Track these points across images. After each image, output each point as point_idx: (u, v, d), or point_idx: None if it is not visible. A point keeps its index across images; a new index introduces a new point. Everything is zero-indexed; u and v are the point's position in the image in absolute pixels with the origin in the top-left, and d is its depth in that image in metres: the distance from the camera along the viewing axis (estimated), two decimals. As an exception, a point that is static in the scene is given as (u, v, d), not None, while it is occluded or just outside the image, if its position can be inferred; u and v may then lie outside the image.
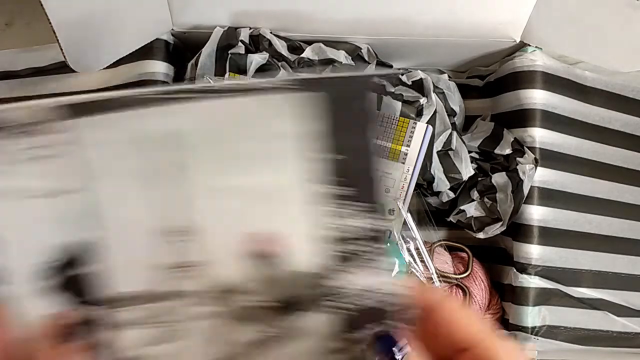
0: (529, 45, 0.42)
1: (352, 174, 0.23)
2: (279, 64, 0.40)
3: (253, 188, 0.23)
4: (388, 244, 0.40)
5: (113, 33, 0.39)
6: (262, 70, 0.40)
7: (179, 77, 0.42)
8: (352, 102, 0.23)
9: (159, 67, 0.40)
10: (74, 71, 0.39)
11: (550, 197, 0.41)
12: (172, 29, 0.41)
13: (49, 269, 0.23)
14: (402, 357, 0.22)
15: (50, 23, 0.35)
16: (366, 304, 0.24)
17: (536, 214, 0.40)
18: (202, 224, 0.23)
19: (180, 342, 0.24)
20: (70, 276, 0.23)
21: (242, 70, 0.40)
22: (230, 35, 0.40)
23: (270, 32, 0.41)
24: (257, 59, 0.40)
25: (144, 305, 0.24)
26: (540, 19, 0.40)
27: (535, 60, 0.41)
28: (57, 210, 0.23)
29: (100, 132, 0.22)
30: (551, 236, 0.40)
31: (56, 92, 0.42)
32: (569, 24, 0.40)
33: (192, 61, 0.41)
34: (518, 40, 0.42)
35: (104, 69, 0.40)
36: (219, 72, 0.40)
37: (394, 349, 0.23)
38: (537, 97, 0.41)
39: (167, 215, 0.23)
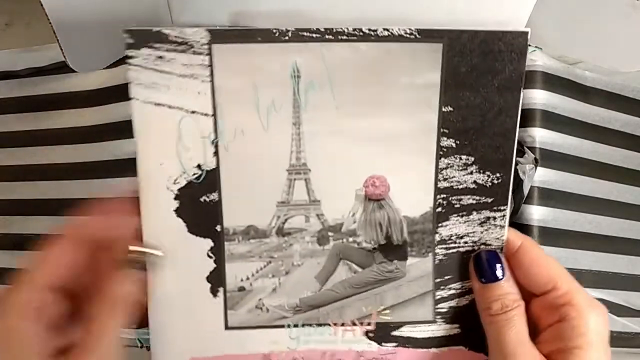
0: (529, 45, 0.42)
1: (469, 128, 0.24)
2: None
3: (370, 132, 0.24)
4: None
5: (113, 33, 0.39)
6: (262, 70, 0.40)
7: (178, 77, 0.41)
8: (476, 56, 0.23)
9: (159, 67, 0.40)
10: (73, 71, 0.39)
11: (550, 197, 0.40)
12: (172, 29, 0.41)
13: (180, 189, 0.24)
14: (502, 274, 0.24)
15: (50, 23, 0.35)
16: (458, 249, 0.26)
17: (536, 214, 0.40)
18: (317, 163, 0.24)
19: (286, 278, 0.25)
20: (196, 201, 0.24)
21: (242, 70, 0.40)
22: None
23: (270, 32, 0.41)
24: (257, 59, 0.40)
25: (255, 239, 0.25)
26: (540, 19, 0.40)
27: (535, 60, 0.41)
28: (192, 129, 0.23)
29: (230, 60, 0.24)
30: (551, 236, 0.40)
31: (56, 92, 0.42)
32: (569, 24, 0.40)
33: (192, 61, 0.41)
34: (518, 40, 0.42)
35: (104, 69, 0.40)
36: (219, 72, 0.40)
37: (497, 264, 0.24)
38: (537, 97, 0.41)
39: (284, 151, 0.24)
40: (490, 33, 0.23)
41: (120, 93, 0.39)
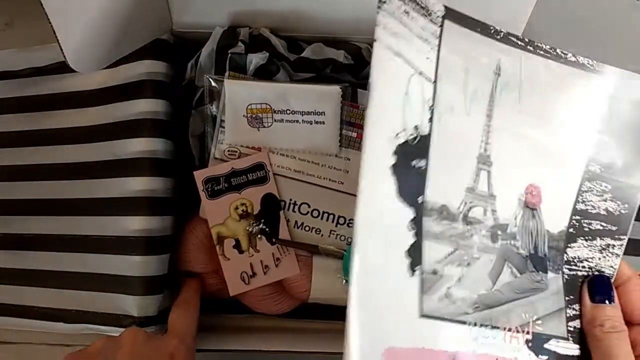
0: (529, 45, 0.42)
1: (616, 160, 0.26)
2: (279, 63, 0.40)
3: (540, 142, 0.26)
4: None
5: (113, 33, 0.39)
6: (261, 70, 0.40)
7: (178, 76, 0.42)
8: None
9: (159, 67, 0.40)
10: (73, 71, 0.39)
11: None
12: (172, 29, 0.41)
13: (399, 145, 0.24)
14: (614, 298, 0.26)
15: (50, 23, 0.35)
16: (580, 273, 0.26)
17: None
18: (497, 159, 0.25)
19: (468, 269, 0.25)
20: (409, 163, 0.24)
21: (242, 70, 0.40)
22: (230, 35, 0.40)
23: (270, 32, 0.41)
24: (256, 59, 0.40)
25: (446, 221, 0.25)
26: (540, 19, 0.40)
27: (536, 60, 0.41)
28: (418, 88, 0.24)
29: (455, 39, 0.25)
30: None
31: (56, 92, 0.42)
32: (569, 24, 0.40)
33: (192, 61, 0.41)
34: (518, 40, 0.42)
35: (104, 68, 0.40)
36: (219, 72, 0.40)
37: (611, 288, 0.26)
38: (537, 97, 0.41)
39: (476, 138, 0.25)
40: None
41: (120, 93, 0.39)
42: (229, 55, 0.40)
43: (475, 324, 0.24)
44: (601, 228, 0.26)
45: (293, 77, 0.41)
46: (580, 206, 0.26)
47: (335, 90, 0.39)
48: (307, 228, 0.40)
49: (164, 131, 0.39)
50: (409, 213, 0.23)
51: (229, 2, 0.40)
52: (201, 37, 0.41)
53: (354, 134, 0.40)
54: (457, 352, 0.23)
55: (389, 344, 0.22)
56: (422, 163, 0.24)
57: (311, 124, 0.39)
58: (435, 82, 0.25)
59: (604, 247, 0.26)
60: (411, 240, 0.23)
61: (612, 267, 0.26)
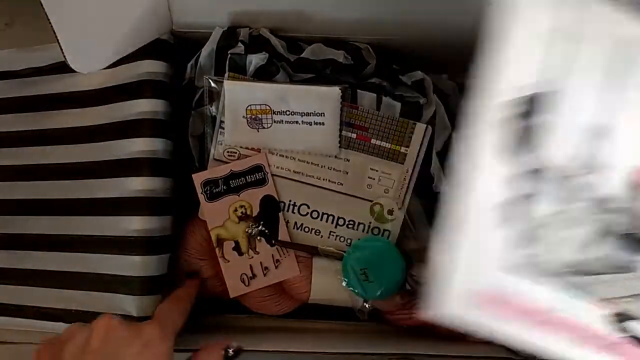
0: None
1: None
2: (279, 64, 0.40)
3: None
4: (388, 244, 0.40)
5: (113, 33, 0.39)
6: (261, 70, 0.40)
7: (178, 76, 0.41)
8: None
9: (159, 67, 0.40)
10: (74, 71, 0.39)
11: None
12: (172, 29, 0.41)
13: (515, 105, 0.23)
14: None
15: (50, 23, 0.35)
16: None
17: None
18: (617, 132, 0.24)
19: (570, 231, 0.24)
20: (523, 120, 0.23)
21: (242, 70, 0.40)
22: (229, 35, 0.40)
23: (270, 32, 0.41)
24: (256, 59, 0.40)
25: (560, 182, 0.24)
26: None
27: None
28: (545, 49, 0.23)
29: (596, 10, 0.23)
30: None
31: (56, 92, 0.42)
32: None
33: (192, 61, 0.41)
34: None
35: (104, 68, 0.40)
36: (219, 72, 0.40)
37: None
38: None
39: (599, 107, 0.24)
40: None
41: (120, 93, 0.39)
42: (229, 55, 0.40)
43: (561, 287, 0.24)
44: None
45: (293, 77, 0.41)
46: None
47: (335, 91, 0.39)
48: (306, 229, 0.40)
49: (164, 131, 0.39)
50: (515, 167, 0.23)
51: (229, 2, 0.40)
52: (201, 37, 0.41)
53: (354, 135, 0.40)
54: (538, 309, 0.23)
55: (473, 286, 0.23)
56: (542, 118, 0.23)
57: (311, 125, 0.39)
58: (568, 42, 0.23)
59: None
60: (512, 193, 0.23)
61: None
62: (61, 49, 0.37)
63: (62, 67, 0.39)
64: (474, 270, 0.23)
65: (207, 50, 0.40)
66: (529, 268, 0.24)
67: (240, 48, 0.40)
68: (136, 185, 0.37)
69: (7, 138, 0.42)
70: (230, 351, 0.31)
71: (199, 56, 0.40)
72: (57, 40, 0.36)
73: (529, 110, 0.23)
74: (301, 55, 0.41)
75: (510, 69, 0.23)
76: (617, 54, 0.24)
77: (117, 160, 0.38)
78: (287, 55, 0.41)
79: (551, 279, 0.24)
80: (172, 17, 0.41)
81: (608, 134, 0.24)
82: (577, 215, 0.24)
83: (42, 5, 0.34)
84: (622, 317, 0.25)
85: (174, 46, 0.42)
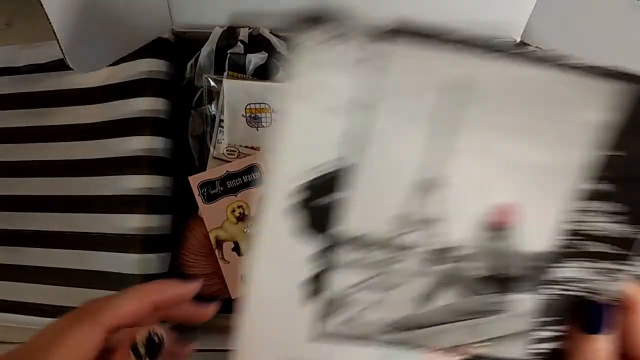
0: (529, 45, 0.42)
1: (632, 178, 0.23)
2: (278, 63, 0.40)
3: (513, 159, 0.23)
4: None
5: (113, 33, 0.39)
6: (261, 70, 0.40)
7: (179, 76, 0.42)
8: None
9: (160, 66, 0.40)
10: (74, 69, 0.39)
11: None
12: (172, 29, 0.41)
13: (305, 183, 0.23)
14: (606, 330, 0.23)
15: (50, 23, 0.35)
16: (574, 294, 0.24)
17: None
18: (451, 181, 0.23)
19: (387, 294, 0.24)
20: (314, 199, 0.23)
21: (241, 70, 0.40)
22: (229, 35, 0.40)
23: (270, 32, 0.41)
24: (256, 59, 0.40)
25: (365, 249, 0.24)
26: (540, 19, 0.40)
27: (535, 60, 0.41)
28: (336, 122, 0.22)
29: (402, 57, 0.22)
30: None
31: (57, 89, 0.42)
32: (569, 24, 0.40)
33: (192, 60, 0.41)
34: (518, 40, 0.42)
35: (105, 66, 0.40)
36: (218, 72, 0.40)
37: (605, 319, 0.23)
38: (537, 97, 0.41)
39: (423, 162, 0.23)
40: None
41: (121, 91, 0.39)
42: (229, 55, 0.40)
43: (386, 345, 0.24)
44: (607, 251, 0.24)
45: (292, 77, 0.41)
46: (574, 226, 0.23)
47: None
48: (306, 228, 0.40)
49: (164, 130, 0.39)
50: (315, 246, 0.23)
51: (229, 2, 0.40)
52: (201, 37, 0.41)
53: None
54: None
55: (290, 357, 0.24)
56: (333, 197, 0.23)
57: (310, 123, 0.39)
58: (367, 109, 0.22)
59: (609, 270, 0.24)
60: (315, 270, 0.23)
61: (614, 292, 0.24)
62: (61, 49, 0.37)
63: (63, 64, 0.39)
64: (281, 344, 0.24)
65: (207, 49, 0.40)
66: (346, 334, 0.24)
67: (239, 48, 0.40)
68: (135, 183, 0.38)
69: (7, 134, 0.42)
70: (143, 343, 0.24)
71: (198, 56, 0.40)
72: (57, 40, 0.36)
73: (329, 186, 0.23)
74: (301, 55, 0.41)
75: (301, 149, 0.22)
76: (440, 101, 0.22)
77: (117, 158, 0.38)
78: (287, 55, 0.41)
79: (376, 338, 0.24)
80: (172, 17, 0.41)
81: (442, 185, 0.23)
82: (405, 273, 0.24)
83: (42, 5, 0.34)
84: None
85: (175, 45, 0.42)
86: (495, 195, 0.23)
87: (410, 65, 0.22)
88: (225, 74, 0.39)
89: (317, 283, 0.24)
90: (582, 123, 0.22)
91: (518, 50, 0.22)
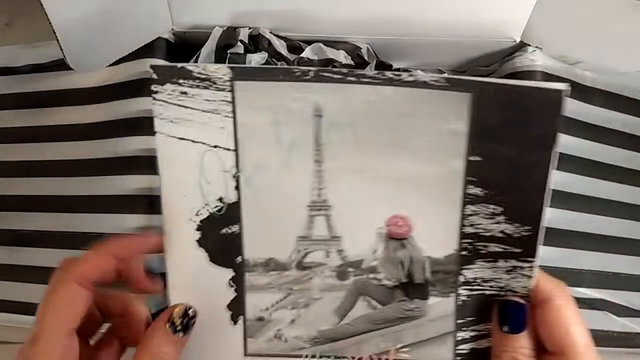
0: (529, 45, 0.42)
1: (498, 179, 0.24)
2: (279, 64, 0.41)
3: (393, 173, 0.24)
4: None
5: (112, 33, 0.39)
6: (261, 69, 0.40)
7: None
8: (506, 109, 0.23)
9: (159, 66, 0.40)
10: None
11: (551, 197, 0.40)
12: (172, 29, 0.41)
13: (202, 220, 0.24)
14: (522, 328, 0.24)
15: (50, 23, 0.35)
16: (481, 292, 0.25)
17: (536, 214, 0.40)
18: (339, 200, 0.24)
19: (304, 310, 0.26)
20: (217, 232, 0.25)
21: (242, 70, 0.40)
22: (229, 35, 0.40)
23: (270, 32, 0.41)
24: (256, 59, 0.40)
25: (274, 271, 0.25)
26: (540, 19, 0.40)
27: (535, 60, 0.41)
28: (214, 163, 0.24)
29: (251, 97, 0.24)
30: (551, 236, 0.40)
31: (56, 89, 0.42)
32: (569, 24, 0.40)
33: (192, 61, 0.41)
34: (518, 40, 0.42)
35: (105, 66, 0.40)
36: (219, 72, 0.40)
37: (520, 317, 0.24)
38: (537, 97, 0.41)
39: (309, 188, 0.24)
40: (522, 87, 0.23)
41: (121, 91, 0.39)
42: (228, 55, 0.40)
43: (314, 357, 0.26)
44: (501, 250, 0.25)
45: (292, 77, 0.41)
46: (469, 229, 0.24)
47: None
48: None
49: (164, 130, 0.39)
50: (227, 273, 0.25)
51: (229, 2, 0.40)
52: (201, 36, 0.41)
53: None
54: None
55: None
56: (235, 228, 0.25)
57: (310, 123, 0.39)
58: (236, 149, 0.24)
59: (509, 268, 0.25)
60: (231, 296, 0.25)
61: (525, 287, 0.25)
62: (61, 49, 0.37)
63: (62, 64, 0.39)
64: None
65: (207, 49, 0.40)
66: (273, 352, 0.26)
67: (240, 48, 0.40)
68: (135, 183, 0.38)
69: (6, 134, 0.42)
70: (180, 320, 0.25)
71: (198, 56, 0.40)
72: (57, 40, 0.36)
73: (216, 226, 0.25)
74: (301, 55, 0.41)
75: (179, 202, 0.24)
76: (299, 131, 0.24)
77: (117, 158, 0.38)
78: (287, 55, 0.41)
79: (302, 352, 0.26)
80: (172, 17, 0.41)
81: (330, 206, 0.24)
82: (316, 289, 0.25)
83: (42, 5, 0.34)
84: None
85: (175, 45, 0.42)
86: (390, 208, 0.24)
87: (258, 102, 0.23)
88: (226, 74, 0.39)
89: (238, 305, 0.25)
90: (447, 133, 0.23)
91: (367, 74, 0.23)
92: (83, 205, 0.39)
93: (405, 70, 0.43)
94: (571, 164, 0.41)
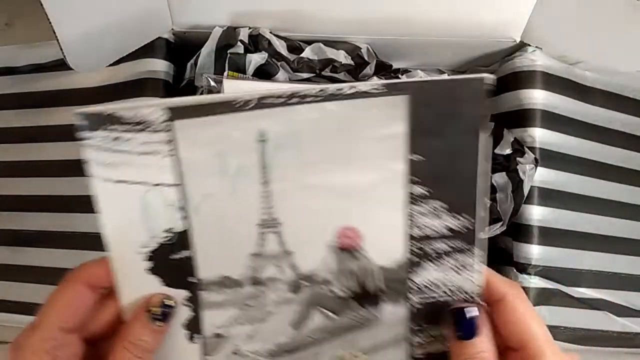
0: (529, 45, 0.42)
1: (437, 175, 0.24)
2: (278, 63, 0.41)
3: (340, 185, 0.24)
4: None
5: (113, 33, 0.39)
6: (261, 70, 0.40)
7: (179, 76, 0.42)
8: (440, 104, 0.23)
9: (160, 66, 0.40)
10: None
11: (550, 197, 0.40)
12: (172, 29, 0.41)
13: (152, 251, 0.25)
14: (476, 332, 0.24)
15: (50, 23, 0.35)
16: (434, 296, 0.25)
17: (536, 214, 0.40)
18: (289, 217, 0.25)
19: (261, 325, 0.26)
20: (169, 259, 0.25)
21: (241, 70, 0.40)
22: (229, 35, 0.40)
23: (270, 32, 0.41)
24: (256, 59, 0.40)
25: (228, 288, 0.25)
26: (540, 19, 0.40)
27: (535, 60, 0.41)
28: (158, 199, 0.24)
29: (193, 134, 0.24)
30: (551, 236, 0.40)
31: (56, 89, 0.42)
32: (569, 24, 0.40)
33: (192, 61, 0.41)
34: (518, 40, 0.42)
35: (105, 66, 0.40)
36: (218, 72, 0.40)
37: (472, 322, 0.24)
38: (537, 97, 0.41)
39: (257, 208, 0.24)
40: (452, 81, 0.24)
41: (121, 91, 0.40)
42: (228, 55, 0.40)
43: None
44: (448, 248, 0.25)
45: (292, 77, 0.41)
46: (417, 232, 0.25)
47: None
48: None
49: (164, 130, 0.39)
50: (182, 293, 0.25)
51: (229, 2, 0.40)
52: (201, 36, 0.41)
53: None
54: None
55: None
56: (186, 253, 0.25)
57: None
58: (181, 183, 0.24)
59: (459, 267, 0.25)
60: (187, 315, 0.25)
61: (474, 283, 0.25)
62: (61, 49, 0.37)
63: (63, 64, 0.39)
64: None
65: (207, 49, 0.40)
66: None
67: (239, 48, 0.40)
68: (136, 184, 0.37)
69: (6, 134, 0.42)
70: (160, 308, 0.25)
71: (198, 56, 0.40)
72: (57, 40, 0.36)
73: (167, 254, 0.25)
74: (301, 55, 0.41)
75: (124, 240, 0.24)
76: (243, 158, 0.24)
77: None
78: (287, 55, 0.41)
79: None
80: (172, 17, 0.41)
81: (280, 223, 0.25)
82: (271, 304, 0.26)
83: (42, 5, 0.34)
84: None
85: (175, 45, 0.42)
86: (338, 221, 0.25)
87: (200, 138, 0.23)
88: (226, 74, 0.39)
89: (195, 324, 0.26)
90: (387, 137, 0.24)
91: (309, 94, 0.23)
92: (83, 205, 0.39)
93: (406, 70, 0.43)
94: (571, 164, 0.41)
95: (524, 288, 0.40)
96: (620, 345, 0.42)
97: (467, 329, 0.24)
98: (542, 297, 0.40)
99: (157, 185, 0.24)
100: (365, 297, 0.26)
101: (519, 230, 0.40)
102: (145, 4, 0.38)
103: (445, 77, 0.24)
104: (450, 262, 0.25)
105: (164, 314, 0.25)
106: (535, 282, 0.39)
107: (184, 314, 0.25)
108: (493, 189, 0.42)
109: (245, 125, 0.23)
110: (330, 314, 0.26)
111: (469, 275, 0.25)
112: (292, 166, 0.24)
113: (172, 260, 0.25)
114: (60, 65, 0.40)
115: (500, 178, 0.41)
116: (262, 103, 0.23)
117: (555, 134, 0.41)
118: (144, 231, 0.24)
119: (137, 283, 0.25)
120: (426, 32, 0.42)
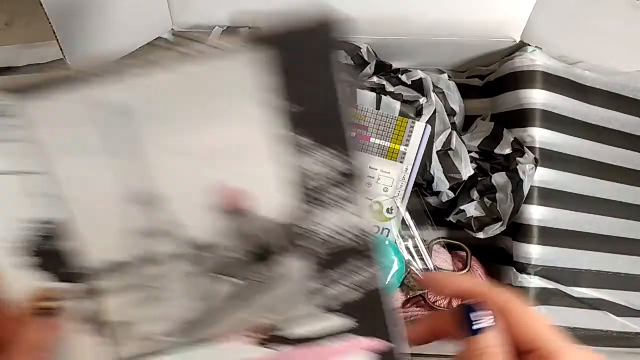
0: (529, 45, 0.42)
1: (314, 122, 0.24)
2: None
3: (211, 146, 0.24)
4: (387, 242, 0.40)
5: (113, 33, 0.39)
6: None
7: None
8: (306, 53, 0.23)
9: (159, 67, 0.40)
10: (74, 70, 0.39)
11: (550, 197, 0.40)
12: (172, 29, 0.41)
13: (26, 244, 0.24)
14: (482, 327, 0.23)
15: (50, 23, 0.35)
16: (339, 244, 0.25)
17: (536, 214, 0.40)
18: (167, 188, 0.24)
19: (164, 303, 0.25)
20: (48, 251, 0.24)
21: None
22: (229, 35, 0.40)
23: (270, 32, 0.41)
24: (256, 59, 0.40)
25: (123, 272, 0.24)
26: (540, 19, 0.40)
27: (535, 60, 0.41)
28: (25, 189, 0.23)
29: (49, 112, 0.22)
30: (551, 236, 0.40)
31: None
32: (569, 24, 0.40)
33: (192, 61, 0.41)
34: (518, 40, 0.42)
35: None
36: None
37: (480, 317, 0.23)
38: (537, 97, 0.41)
39: (131, 184, 0.24)
40: (306, 27, 0.23)
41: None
42: (229, 55, 0.40)
43: (187, 346, 0.25)
44: (341, 192, 0.24)
45: (293, 77, 0.41)
46: (292, 179, 0.24)
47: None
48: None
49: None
50: (77, 286, 0.24)
51: (229, 2, 0.40)
52: (201, 37, 0.41)
53: (353, 134, 0.40)
54: None
55: None
56: (71, 244, 0.24)
57: (310, 123, 0.39)
58: (47, 170, 0.23)
59: (355, 209, 0.25)
60: (88, 307, 0.24)
61: (368, 222, 0.25)
62: (61, 49, 0.37)
63: (63, 64, 0.39)
64: None
65: (207, 49, 0.40)
66: (143, 353, 0.25)
67: (240, 47, 0.40)
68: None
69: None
70: None
71: (198, 56, 0.40)
72: (57, 40, 0.36)
73: (50, 235, 0.24)
74: (301, 55, 0.41)
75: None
76: (106, 130, 0.23)
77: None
78: None
79: (174, 345, 0.25)
80: (172, 17, 0.41)
81: (158, 195, 0.24)
82: (172, 280, 0.25)
83: (42, 5, 0.34)
84: (278, 332, 0.26)
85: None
86: (214, 184, 0.24)
87: (53, 117, 0.22)
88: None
89: (97, 316, 0.25)
90: (261, 92, 0.23)
91: (148, 60, 0.22)
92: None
93: (406, 70, 0.43)
94: (571, 164, 0.41)
95: (523, 288, 0.40)
96: (620, 345, 0.42)
97: (476, 323, 0.24)
98: (542, 297, 0.40)
99: (20, 173, 0.23)
100: (268, 256, 0.25)
101: (519, 230, 0.40)
102: (145, 4, 0.38)
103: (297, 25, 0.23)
104: (346, 205, 0.25)
105: (50, 309, 0.24)
106: (535, 282, 0.39)
107: (83, 307, 0.25)
108: (493, 189, 0.42)
109: (102, 98, 0.22)
110: (235, 280, 0.25)
111: (354, 216, 0.25)
112: (161, 134, 0.23)
113: (58, 253, 0.24)
114: (61, 65, 0.40)
115: (500, 178, 0.41)
116: (118, 73, 0.22)
117: (555, 134, 0.41)
118: (14, 227, 0.23)
119: (20, 281, 0.24)
120: (426, 32, 0.42)
